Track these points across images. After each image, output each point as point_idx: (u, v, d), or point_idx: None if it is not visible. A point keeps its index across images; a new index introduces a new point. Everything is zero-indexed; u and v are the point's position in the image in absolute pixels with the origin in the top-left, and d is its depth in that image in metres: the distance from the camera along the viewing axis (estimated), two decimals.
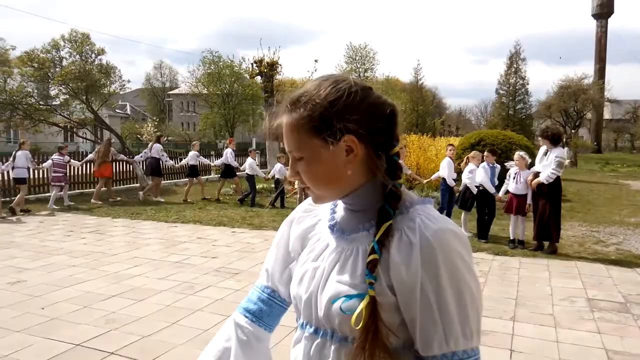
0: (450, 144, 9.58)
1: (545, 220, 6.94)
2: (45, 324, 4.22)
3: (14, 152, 10.61)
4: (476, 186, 7.93)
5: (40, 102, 17.49)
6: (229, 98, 43.09)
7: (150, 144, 13.22)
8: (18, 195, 10.35)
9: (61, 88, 17.57)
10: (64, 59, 17.81)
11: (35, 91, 17.74)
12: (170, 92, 65.29)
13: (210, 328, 4.16)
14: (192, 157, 12.83)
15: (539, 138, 7.37)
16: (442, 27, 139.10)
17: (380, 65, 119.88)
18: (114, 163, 13.70)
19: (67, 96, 17.69)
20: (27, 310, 4.54)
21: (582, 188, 16.63)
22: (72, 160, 12.04)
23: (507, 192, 7.70)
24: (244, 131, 45.93)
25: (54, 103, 18.08)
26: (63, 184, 11.17)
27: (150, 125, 37.59)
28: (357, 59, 41.67)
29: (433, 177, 9.13)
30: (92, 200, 11.65)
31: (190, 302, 4.82)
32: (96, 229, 8.65)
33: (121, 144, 20.01)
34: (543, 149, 7.18)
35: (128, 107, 62.43)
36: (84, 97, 17.43)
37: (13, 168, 10.44)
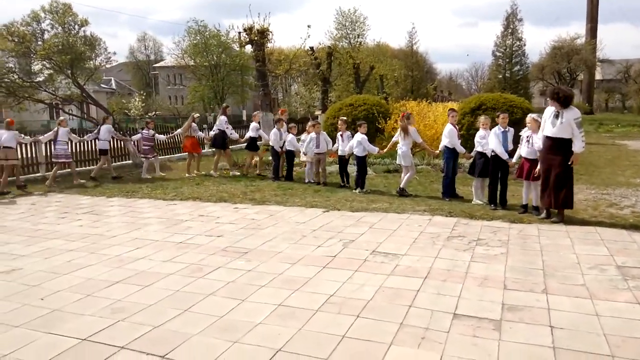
0: (451, 109, 9.17)
1: (557, 187, 6.61)
2: (46, 317, 3.90)
3: (99, 126, 12.25)
4: (490, 152, 7.61)
5: (24, 79, 16.67)
6: (217, 69, 41.98)
7: (217, 115, 12.89)
8: (98, 164, 11.92)
9: (44, 63, 16.73)
10: (45, 32, 16.95)
11: (17, 67, 16.90)
12: (156, 64, 63.64)
13: (226, 314, 3.86)
14: (253, 129, 11.93)
15: (548, 100, 6.99)
16: None
17: (371, 30, 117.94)
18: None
19: (52, 71, 16.86)
20: (25, 302, 4.21)
21: None
22: (158, 135, 13.00)
23: (521, 157, 7.40)
24: (234, 103, 45.03)
25: (38, 79, 17.26)
26: (150, 156, 12.16)
27: (137, 99, 36.57)
28: (347, 25, 40.55)
29: (440, 147, 8.74)
30: (186, 175, 11.98)
31: (200, 286, 4.51)
32: (91, 210, 8.26)
33: (113, 120, 19.29)
34: (550, 110, 6.77)
35: (113, 82, 60.81)
36: (69, 72, 16.63)
37: (97, 139, 11.95)
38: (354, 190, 9.28)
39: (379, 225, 6.77)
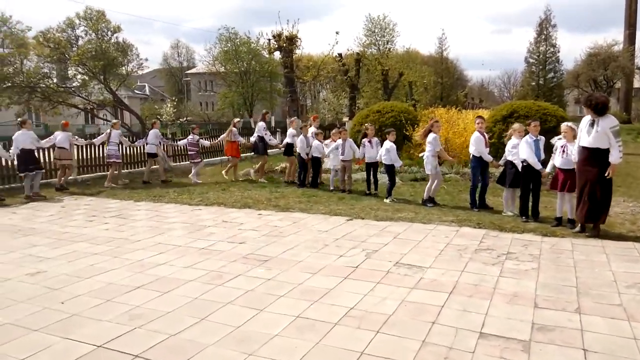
0: (479, 116, 8.87)
1: (595, 201, 6.29)
2: (65, 321, 3.91)
3: (148, 131, 12.75)
4: (521, 162, 7.34)
5: (58, 84, 17.20)
6: (247, 76, 42.50)
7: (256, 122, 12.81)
8: (146, 167, 12.37)
9: (78, 68, 17.22)
10: (80, 38, 17.43)
11: (53, 72, 17.46)
12: (188, 71, 64.96)
13: (242, 325, 3.78)
14: (289, 135, 11.88)
15: (584, 107, 6.68)
16: None
17: (400, 37, 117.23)
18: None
19: (85, 77, 17.34)
20: (46, 305, 4.24)
21: None
22: (201, 140, 12.93)
23: (554, 167, 7.10)
24: (263, 109, 45.42)
25: (72, 85, 17.76)
26: (197, 160, 12.34)
27: (169, 105, 37.33)
28: (376, 31, 40.37)
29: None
30: (229, 178, 12.19)
31: (219, 294, 4.45)
32: (119, 213, 8.37)
33: (141, 126, 19.77)
34: (587, 119, 6.47)
35: (147, 88, 62.40)
36: (102, 77, 17.05)
37: (147, 144, 12.31)
38: (385, 200, 9.11)
39: (404, 235, 6.60)
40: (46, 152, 11.66)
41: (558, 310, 4.06)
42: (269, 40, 18.20)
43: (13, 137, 10.10)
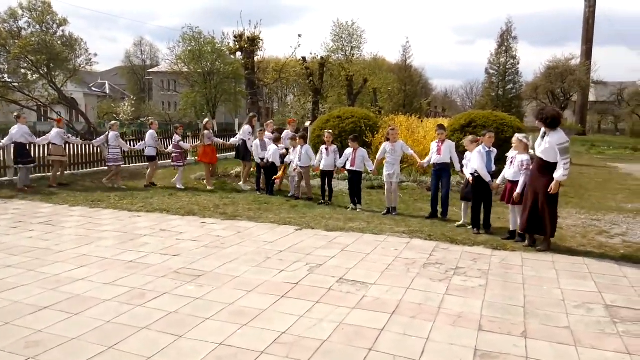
0: (439, 125, 8.65)
1: (539, 212, 6.17)
2: None
3: (147, 133, 12.09)
4: (471, 173, 7.17)
5: None
6: (211, 77, 41.56)
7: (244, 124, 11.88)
8: (148, 171, 11.55)
9: (19, 62, 16.11)
10: (22, 30, 16.34)
11: None
12: (150, 70, 63.20)
13: (154, 355, 3.33)
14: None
15: (535, 120, 6.57)
16: (429, 7, 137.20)
17: (368, 44, 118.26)
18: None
19: (27, 71, 16.23)
20: None
21: (572, 171, 15.95)
22: (181, 143, 11.73)
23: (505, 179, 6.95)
24: (227, 111, 44.53)
25: (12, 80, 16.58)
26: (180, 163, 11.40)
27: (127, 104, 36.01)
28: (343, 37, 40.33)
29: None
30: (209, 187, 11.14)
31: (135, 317, 3.98)
32: (49, 220, 7.70)
33: (87, 125, 18.76)
34: (542, 131, 6.37)
35: (107, 86, 60.29)
36: (46, 72, 16.02)
37: (145, 147, 11.67)
38: (354, 208, 8.80)
39: (353, 247, 6.27)
40: (39, 148, 11.90)
41: (503, 334, 3.80)
42: (229, 41, 17.68)
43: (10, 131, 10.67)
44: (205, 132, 11.38)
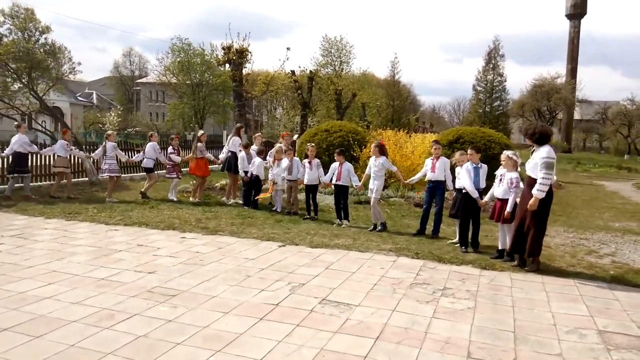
0: (435, 141, 8.51)
1: (525, 231, 6.02)
2: None
3: (145, 144, 12.04)
4: (460, 189, 7.03)
5: None
6: (199, 88, 41.43)
7: (230, 136, 11.57)
8: (146, 183, 11.26)
9: None
10: (3, 37, 15.96)
11: None
12: (138, 80, 62.86)
13: None
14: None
15: (524, 136, 6.47)
16: (418, 25, 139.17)
17: (357, 59, 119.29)
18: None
19: (7, 79, 15.80)
20: None
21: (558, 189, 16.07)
22: (172, 156, 11.07)
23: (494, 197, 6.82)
24: (215, 123, 44.33)
25: None
26: (174, 175, 11.04)
27: (113, 114, 35.58)
28: (332, 51, 40.50)
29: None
30: (195, 200, 10.89)
31: (101, 341, 3.70)
32: (21, 232, 7.36)
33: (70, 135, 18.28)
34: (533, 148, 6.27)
35: (94, 96, 59.71)
36: (26, 80, 15.64)
37: (144, 158, 11.33)
38: (340, 223, 8.59)
39: (337, 265, 6.05)
40: (37, 158, 12.07)
41: None
42: (216, 53, 17.51)
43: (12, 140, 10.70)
44: (199, 144, 11.10)
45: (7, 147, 10.78)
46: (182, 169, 11.97)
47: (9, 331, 3.83)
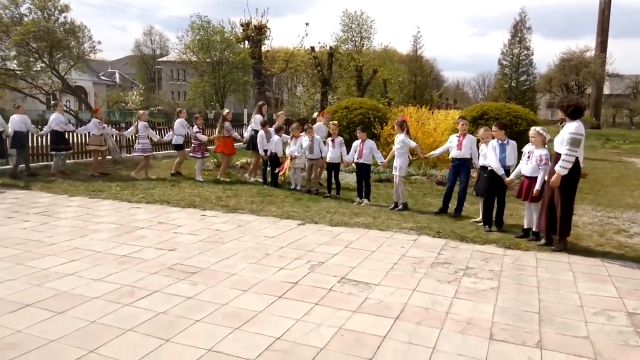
0: (462, 117, 8.18)
1: (557, 210, 5.82)
2: None
3: (173, 121, 11.87)
4: (485, 167, 6.84)
5: None
6: (219, 66, 41.29)
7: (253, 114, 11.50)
8: (177, 160, 11.30)
9: (20, 49, 15.86)
10: (24, 17, 16.09)
11: None
12: (160, 59, 63.07)
13: None
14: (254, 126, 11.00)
15: (558, 109, 6.20)
16: None
17: (378, 34, 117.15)
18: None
19: (29, 58, 15.97)
20: None
21: (587, 165, 15.52)
22: (199, 135, 10.90)
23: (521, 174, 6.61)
24: (235, 101, 44.30)
25: (14, 67, 16.34)
26: (198, 155, 10.84)
27: (136, 93, 35.85)
28: (353, 27, 39.75)
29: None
30: (223, 178, 10.79)
31: (123, 317, 3.73)
32: (45, 210, 7.50)
33: (91, 114, 18.55)
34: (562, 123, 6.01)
35: (117, 75, 60.27)
36: (48, 60, 15.77)
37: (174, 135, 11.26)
38: (360, 202, 8.51)
39: (357, 244, 5.99)
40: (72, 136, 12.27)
41: (517, 344, 3.50)
42: (234, 29, 17.35)
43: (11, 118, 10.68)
44: (226, 123, 11.02)
45: (46, 126, 11.12)
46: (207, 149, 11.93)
47: (32, 307, 3.90)
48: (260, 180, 10.61)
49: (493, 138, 6.87)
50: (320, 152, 9.44)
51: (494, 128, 6.92)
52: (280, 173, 10.16)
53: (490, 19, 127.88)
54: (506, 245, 6.06)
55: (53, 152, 11.04)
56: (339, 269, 5.00)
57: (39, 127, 11.72)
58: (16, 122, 10.57)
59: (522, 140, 7.84)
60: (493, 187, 6.76)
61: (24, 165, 10.78)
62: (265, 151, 10.20)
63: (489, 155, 6.73)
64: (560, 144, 5.74)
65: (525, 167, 6.39)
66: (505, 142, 6.80)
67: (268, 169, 10.36)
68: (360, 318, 3.86)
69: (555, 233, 5.96)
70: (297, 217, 7.37)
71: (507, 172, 6.75)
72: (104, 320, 3.67)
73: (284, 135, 10.45)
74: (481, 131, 7.21)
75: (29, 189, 9.33)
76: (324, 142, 9.49)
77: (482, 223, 6.99)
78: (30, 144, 11.42)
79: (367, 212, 7.85)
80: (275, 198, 8.87)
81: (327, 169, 9.30)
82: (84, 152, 12.84)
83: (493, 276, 4.93)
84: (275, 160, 10.19)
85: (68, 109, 19.24)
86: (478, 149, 7.44)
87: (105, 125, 12.04)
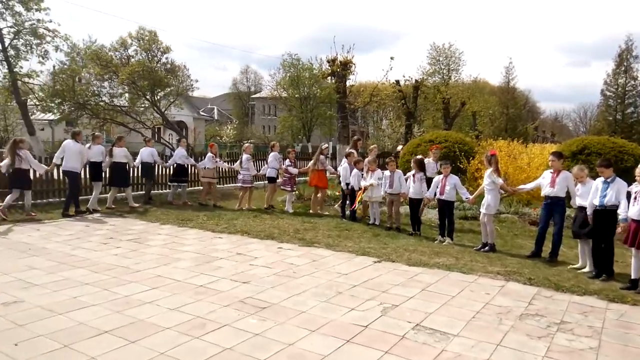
0: (555, 153, 7.45)
1: None
2: None
3: (269, 154, 12.03)
4: (582, 207, 6.18)
5: (107, 102, 17.66)
6: (307, 101, 42.83)
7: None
8: (267, 193, 11.51)
9: (125, 87, 17.62)
10: (131, 58, 17.93)
11: (102, 90, 18.00)
12: (254, 95, 66.75)
13: None
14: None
15: None
16: (534, 25, 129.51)
17: (467, 66, 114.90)
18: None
19: (134, 95, 17.66)
20: None
21: None
22: (290, 168, 11.24)
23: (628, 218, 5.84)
24: (321, 134, 45.40)
25: (123, 104, 18.18)
26: (288, 188, 11.19)
27: (230, 128, 38.10)
28: (440, 59, 39.28)
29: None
30: (325, 212, 10.92)
31: (189, 351, 3.75)
32: (137, 237, 7.99)
33: (186, 146, 19.97)
34: None
35: (215, 111, 64.73)
36: (150, 97, 17.33)
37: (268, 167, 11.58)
38: (442, 240, 8.13)
39: (435, 287, 5.61)
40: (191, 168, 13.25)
41: None
42: (321, 64, 17.82)
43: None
44: (321, 157, 11.16)
45: (170, 159, 12.31)
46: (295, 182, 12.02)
47: (109, 334, 4.05)
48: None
49: (586, 176, 6.25)
50: (400, 186, 9.17)
51: (598, 169, 6.23)
52: (355, 206, 9.99)
53: (588, 47, 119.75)
54: (610, 298, 5.33)
55: (172, 183, 12.09)
56: (414, 315, 4.68)
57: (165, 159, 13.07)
58: (145, 154, 11.67)
59: (628, 178, 7.01)
60: (599, 228, 6.06)
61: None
62: (347, 185, 10.15)
63: (593, 195, 6.11)
64: None
65: (633, 209, 5.66)
66: (610, 180, 6.10)
67: (347, 202, 10.28)
68: None
69: None
70: (373, 254, 7.13)
71: (613, 213, 6.01)
72: (172, 353, 3.70)
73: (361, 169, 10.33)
74: (575, 170, 6.57)
75: (124, 216, 10.05)
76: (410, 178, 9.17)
77: (582, 270, 6.26)
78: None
79: (449, 252, 7.40)
80: (352, 232, 8.71)
81: (409, 205, 8.99)
82: (197, 181, 13.85)
83: (593, 333, 4.32)
84: (352, 194, 10.08)
85: (168, 143, 20.92)
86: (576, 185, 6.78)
87: (218, 160, 12.62)
